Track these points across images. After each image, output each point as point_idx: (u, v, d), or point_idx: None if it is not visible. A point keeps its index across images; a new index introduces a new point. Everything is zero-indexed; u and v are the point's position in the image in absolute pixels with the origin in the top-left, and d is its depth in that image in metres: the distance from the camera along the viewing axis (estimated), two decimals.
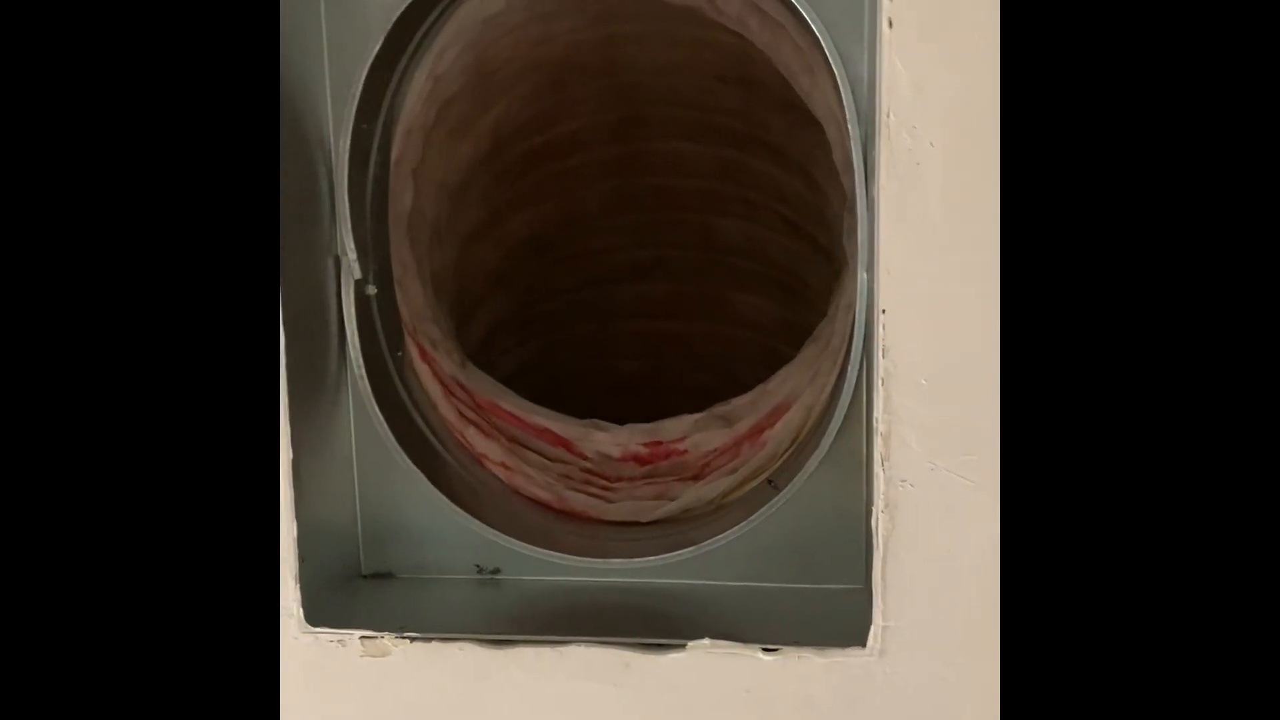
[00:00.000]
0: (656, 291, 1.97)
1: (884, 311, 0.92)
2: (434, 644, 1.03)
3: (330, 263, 1.13)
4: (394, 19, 1.09)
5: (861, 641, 0.97)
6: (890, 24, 0.87)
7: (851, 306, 1.11)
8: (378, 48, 1.09)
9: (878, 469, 0.94)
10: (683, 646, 1.00)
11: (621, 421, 1.35)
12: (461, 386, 1.31)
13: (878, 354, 0.93)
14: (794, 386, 1.27)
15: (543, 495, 1.27)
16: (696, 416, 1.32)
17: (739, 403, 1.32)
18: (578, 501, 1.27)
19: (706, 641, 0.99)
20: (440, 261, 1.47)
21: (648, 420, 1.34)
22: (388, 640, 1.04)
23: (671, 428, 1.32)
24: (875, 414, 0.93)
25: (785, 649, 0.98)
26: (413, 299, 1.28)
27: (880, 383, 0.92)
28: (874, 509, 0.95)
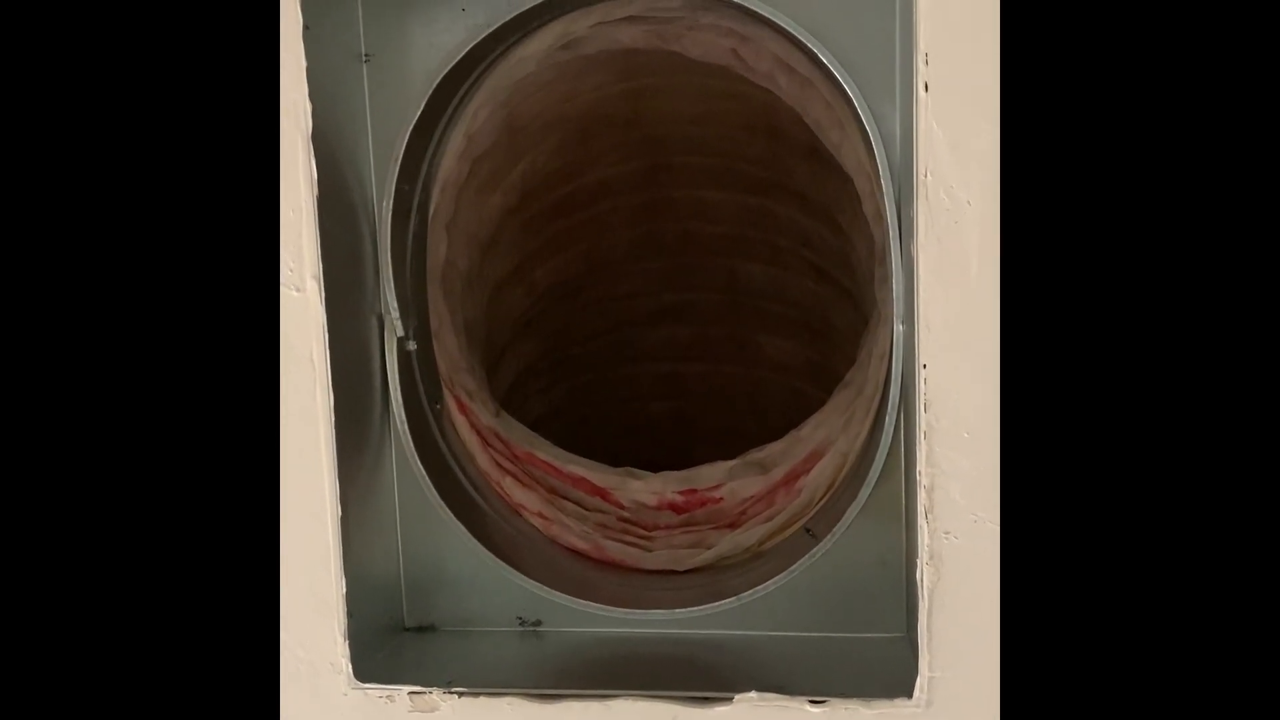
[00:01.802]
0: (683, 335, 1.99)
1: (925, 366, 0.93)
2: (482, 699, 1.04)
3: (374, 321, 1.15)
4: (433, 86, 1.12)
5: (908, 692, 0.98)
6: (926, 87, 0.89)
7: (885, 355, 1.13)
8: (418, 113, 1.12)
9: (921, 521, 0.95)
10: (729, 699, 1.00)
11: (651, 463, 1.36)
12: (498, 437, 1.33)
13: (919, 407, 0.94)
14: (827, 433, 1.28)
15: (581, 545, 1.28)
16: (731, 463, 1.33)
17: (773, 449, 1.33)
18: (616, 551, 1.28)
19: (753, 694, 1.00)
20: (472, 311, 1.50)
21: (676, 462, 1.36)
22: (436, 695, 1.05)
23: (707, 475, 1.33)
24: (918, 467, 0.95)
25: (832, 700, 0.99)
26: (449, 350, 1.30)
27: (923, 436, 0.94)
28: (918, 561, 0.96)
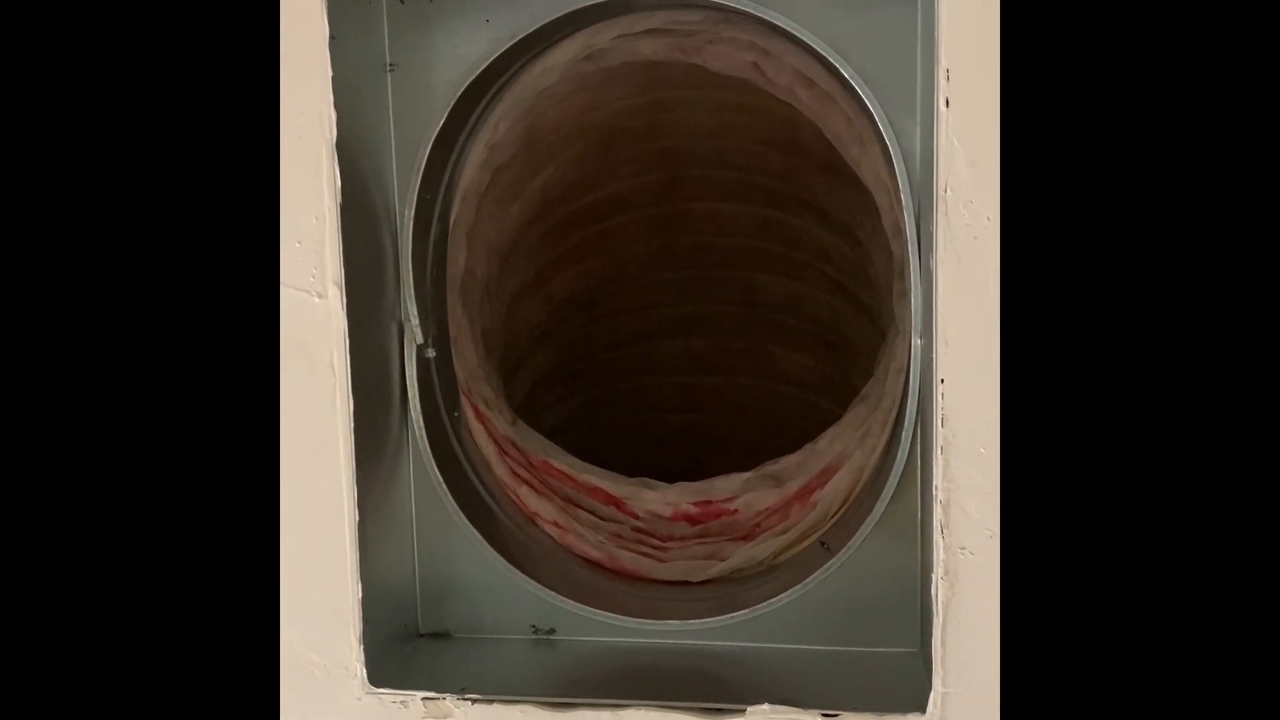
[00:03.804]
0: (699, 347, 1.99)
1: (943, 381, 0.93)
2: (495, 706, 1.05)
3: (394, 329, 1.16)
4: (456, 96, 1.13)
5: (921, 707, 0.98)
6: (947, 103, 0.90)
7: (902, 370, 1.13)
8: (441, 123, 1.13)
9: (936, 536, 0.95)
10: (742, 711, 1.00)
11: (666, 475, 1.37)
12: (515, 445, 1.33)
13: (936, 422, 0.94)
14: (843, 447, 1.28)
15: (595, 554, 1.28)
16: (746, 475, 1.33)
17: (788, 462, 1.33)
18: (629, 561, 1.28)
19: (766, 706, 1.00)
20: (490, 319, 1.51)
21: (691, 473, 1.36)
22: (449, 702, 1.05)
23: (721, 487, 1.33)
24: (934, 482, 0.95)
25: (844, 714, 0.99)
26: (467, 359, 1.31)
27: (939, 451, 0.94)
28: (933, 576, 0.96)
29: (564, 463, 1.34)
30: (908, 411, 1.08)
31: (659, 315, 1.98)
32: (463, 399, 1.29)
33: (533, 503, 1.29)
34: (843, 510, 1.22)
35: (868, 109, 1.06)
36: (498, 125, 1.25)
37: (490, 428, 1.31)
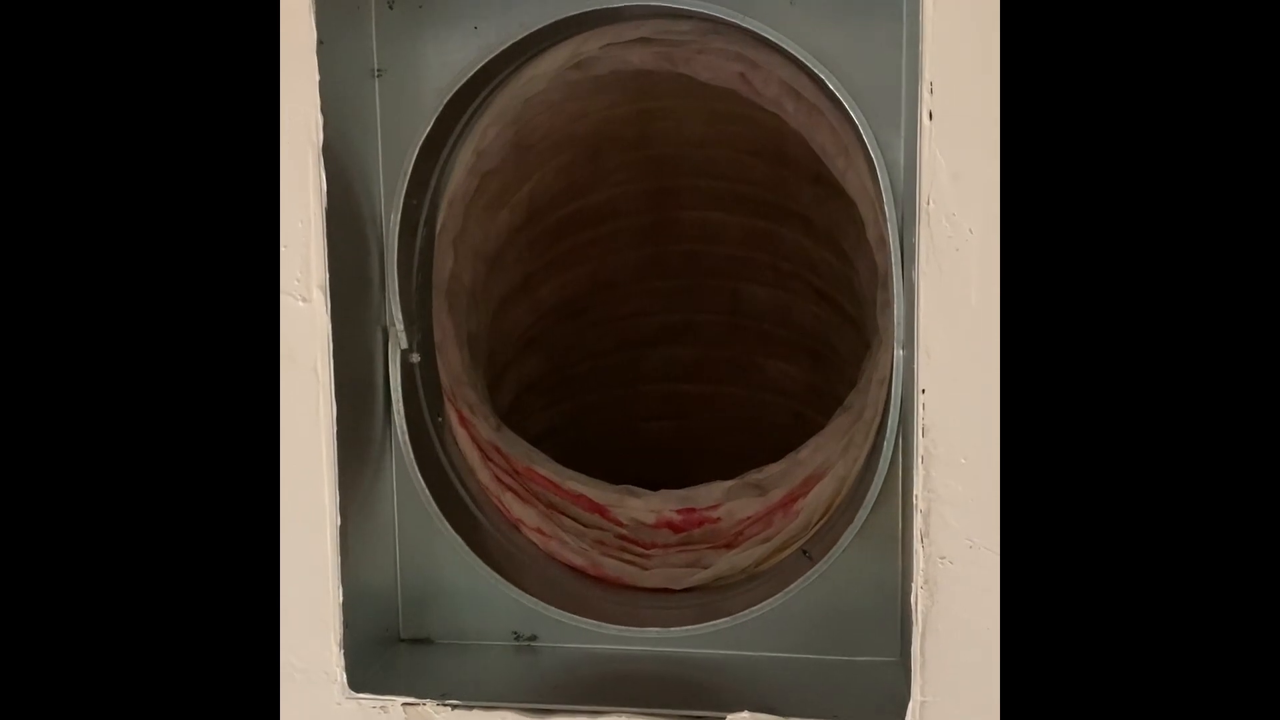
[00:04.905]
0: (686, 355, 2.00)
1: (924, 391, 0.94)
2: (475, 712, 1.05)
3: (379, 333, 1.16)
4: (443, 102, 1.13)
5: (900, 716, 0.98)
6: (931, 116, 0.91)
7: (885, 380, 1.14)
8: (428, 129, 1.13)
9: (917, 546, 0.96)
10: (722, 719, 1.00)
11: (651, 483, 1.37)
12: (499, 451, 1.33)
13: (917, 433, 0.95)
14: (826, 456, 1.29)
15: (578, 561, 1.28)
16: (729, 484, 1.33)
17: (771, 470, 1.34)
18: (612, 568, 1.28)
19: (745, 714, 1.00)
20: (476, 325, 1.51)
21: (677, 481, 1.36)
22: (429, 707, 1.05)
23: (705, 495, 1.33)
24: (915, 491, 0.95)
25: None
26: (451, 364, 1.31)
27: (920, 461, 0.94)
28: (913, 585, 0.96)
29: (548, 469, 1.34)
30: (890, 421, 1.08)
31: (647, 323, 1.99)
32: (447, 404, 1.29)
33: (516, 509, 1.29)
34: (825, 519, 1.23)
35: (853, 121, 1.07)
36: (486, 132, 1.25)
37: (474, 433, 1.31)
